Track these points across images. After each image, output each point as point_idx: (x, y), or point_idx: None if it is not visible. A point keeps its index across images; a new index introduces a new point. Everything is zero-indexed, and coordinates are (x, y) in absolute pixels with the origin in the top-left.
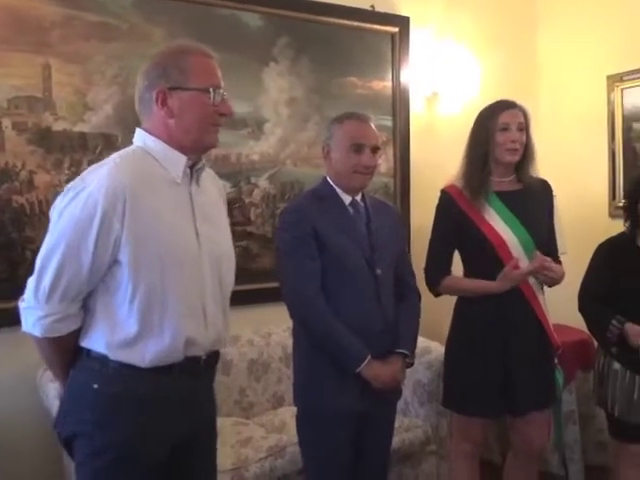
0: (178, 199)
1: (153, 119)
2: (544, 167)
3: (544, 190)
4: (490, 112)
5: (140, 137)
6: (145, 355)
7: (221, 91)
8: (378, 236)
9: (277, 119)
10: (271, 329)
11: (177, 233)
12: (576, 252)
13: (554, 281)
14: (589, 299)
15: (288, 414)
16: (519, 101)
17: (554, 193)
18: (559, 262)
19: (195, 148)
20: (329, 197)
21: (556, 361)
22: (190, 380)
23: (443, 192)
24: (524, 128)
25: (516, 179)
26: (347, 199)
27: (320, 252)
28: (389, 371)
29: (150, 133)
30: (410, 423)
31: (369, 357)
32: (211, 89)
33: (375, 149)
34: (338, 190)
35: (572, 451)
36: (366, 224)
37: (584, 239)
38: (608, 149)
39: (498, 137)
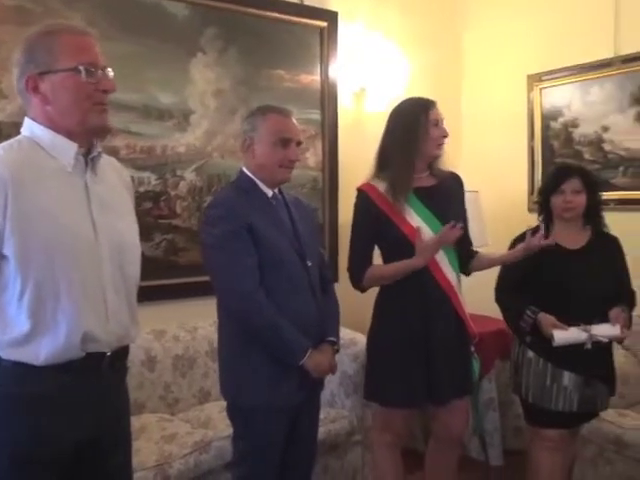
0: (70, 189)
1: (33, 107)
2: (467, 163)
3: (456, 184)
4: (422, 108)
5: (27, 126)
6: (39, 353)
7: (99, 69)
8: (300, 229)
9: (204, 111)
10: (197, 323)
11: (68, 223)
12: (497, 245)
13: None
14: (504, 290)
15: (215, 409)
16: (444, 99)
17: (477, 189)
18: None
19: (84, 132)
20: (252, 190)
21: (473, 349)
22: (93, 378)
23: (360, 191)
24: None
25: (430, 174)
26: (269, 192)
27: (254, 246)
28: (327, 360)
29: (36, 121)
30: (336, 414)
31: (311, 349)
32: (81, 67)
33: (299, 143)
34: (260, 183)
35: (492, 437)
36: (289, 217)
37: (505, 232)
38: (528, 146)
39: (432, 132)
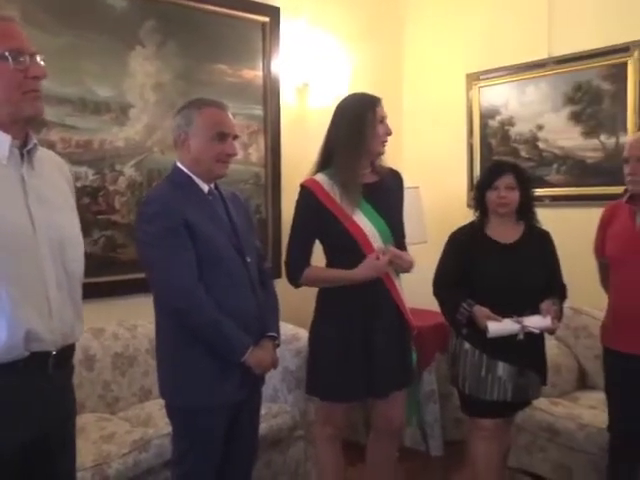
0: (5, 182)
1: None
2: (408, 159)
3: (396, 180)
4: (369, 104)
5: None
6: None
7: (27, 55)
8: (238, 224)
9: (143, 105)
10: (137, 321)
11: (4, 217)
12: (438, 240)
13: (404, 269)
14: (442, 284)
15: (155, 407)
16: (386, 95)
17: (417, 185)
18: (405, 249)
19: (16, 121)
20: (187, 185)
21: (411, 342)
22: (40, 378)
23: (303, 187)
24: None
25: (372, 171)
26: (205, 187)
27: (192, 242)
28: (269, 355)
29: None
30: (279, 409)
31: (252, 345)
32: (7, 53)
33: (235, 137)
34: (195, 178)
35: (432, 428)
36: (226, 212)
37: (444, 228)
38: (467, 144)
39: (378, 129)
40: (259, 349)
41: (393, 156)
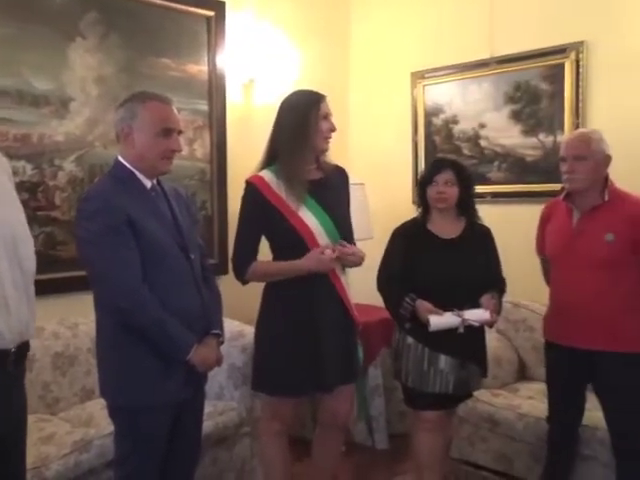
0: None
1: None
2: (354, 156)
3: (342, 177)
4: (313, 101)
5: None
6: None
7: None
8: (181, 221)
9: (85, 98)
10: (78, 320)
11: None
12: (383, 236)
13: (357, 263)
14: (385, 279)
15: (97, 407)
16: (333, 92)
17: (363, 181)
18: (354, 243)
19: None
20: (130, 181)
21: (357, 337)
22: (1, 376)
23: (248, 183)
24: None
25: (317, 168)
26: (148, 183)
27: (135, 240)
28: (213, 353)
29: None
30: (225, 407)
31: (196, 343)
32: None
33: (180, 132)
34: (138, 174)
35: (377, 421)
36: (169, 209)
37: (390, 224)
38: (412, 141)
39: (322, 125)
40: (203, 347)
41: (339, 153)
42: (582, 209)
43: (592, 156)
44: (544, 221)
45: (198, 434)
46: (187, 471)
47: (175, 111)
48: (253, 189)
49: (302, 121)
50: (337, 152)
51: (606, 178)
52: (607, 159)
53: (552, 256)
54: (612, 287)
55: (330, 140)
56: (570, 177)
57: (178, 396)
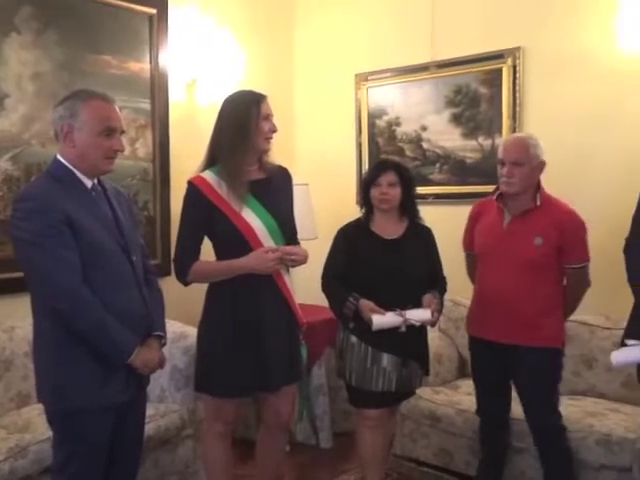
0: None
1: None
2: (300, 157)
3: (285, 177)
4: (254, 101)
5: None
6: None
7: None
8: (123, 221)
9: (20, 95)
10: (15, 323)
11: None
12: (328, 236)
13: (301, 263)
14: (329, 279)
15: (34, 412)
16: (278, 92)
17: (308, 182)
18: (298, 243)
19: None
20: (69, 180)
21: (301, 337)
22: None
23: (190, 183)
24: None
25: (259, 168)
26: (89, 183)
27: (75, 240)
28: (155, 355)
29: None
30: (166, 409)
31: (138, 346)
32: None
33: (122, 132)
34: (78, 173)
35: (322, 420)
36: (110, 209)
37: (335, 224)
38: (356, 142)
39: (262, 126)
40: (145, 349)
41: (285, 154)
42: (514, 211)
43: (529, 162)
44: (474, 219)
45: (140, 437)
46: (129, 474)
47: (117, 110)
48: (195, 190)
49: (243, 121)
50: (282, 153)
51: (538, 183)
52: (542, 165)
53: (480, 254)
54: (535, 287)
55: (271, 140)
56: (508, 181)
57: (119, 399)
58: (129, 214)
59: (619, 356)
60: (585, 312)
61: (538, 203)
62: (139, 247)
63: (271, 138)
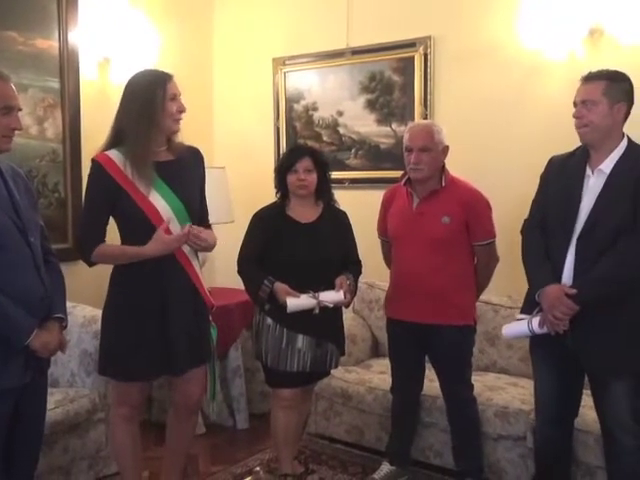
0: None
1: None
2: (219, 140)
3: (195, 159)
4: (159, 81)
5: None
6: None
7: None
8: (20, 201)
9: None
10: None
11: None
12: (245, 220)
13: (207, 248)
14: (245, 262)
15: None
16: (196, 75)
17: (226, 165)
18: (209, 227)
19: None
20: None
21: (210, 318)
22: None
23: (94, 161)
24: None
25: (168, 149)
26: None
27: None
28: (55, 338)
29: None
30: (76, 394)
31: (36, 328)
32: None
33: (19, 110)
34: None
35: (238, 402)
36: (5, 188)
37: (252, 208)
38: (274, 126)
39: (169, 106)
40: (44, 331)
41: (204, 137)
42: (422, 194)
43: (435, 147)
44: (385, 206)
45: (41, 419)
46: (31, 457)
47: (13, 88)
48: (99, 168)
49: (147, 102)
50: (201, 136)
51: (443, 166)
52: (446, 149)
53: (394, 237)
54: (446, 265)
55: (180, 121)
56: (417, 167)
57: (18, 381)
58: (26, 194)
59: (508, 329)
60: (490, 292)
61: (443, 184)
62: (38, 228)
63: (180, 119)
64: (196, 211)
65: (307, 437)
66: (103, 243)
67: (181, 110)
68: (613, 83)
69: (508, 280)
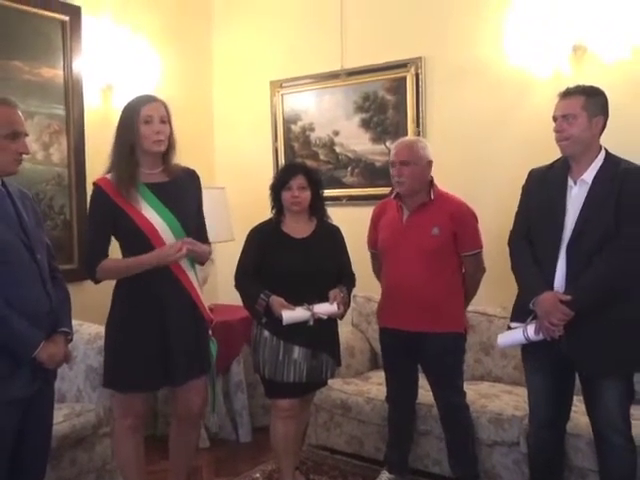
0: None
1: None
2: (219, 161)
3: (191, 179)
4: (133, 105)
5: None
6: None
7: None
8: (27, 221)
9: None
10: None
11: None
12: (244, 239)
13: (201, 258)
14: (242, 276)
15: None
16: (196, 98)
17: (226, 185)
18: (208, 244)
19: None
20: None
21: (210, 333)
22: None
23: (95, 184)
24: (166, 120)
25: (163, 171)
26: None
27: None
28: (61, 350)
29: None
30: (82, 408)
31: (43, 341)
32: None
33: (26, 135)
34: None
35: (241, 416)
36: (14, 209)
37: (252, 226)
38: (272, 147)
39: (143, 129)
40: (51, 344)
41: (204, 158)
42: (411, 207)
43: (417, 162)
44: (375, 220)
45: (48, 430)
46: (38, 468)
47: (20, 114)
48: (99, 191)
49: (123, 127)
50: (203, 157)
51: (431, 181)
52: (430, 164)
53: (384, 248)
54: (436, 275)
55: (160, 143)
56: (399, 180)
57: (24, 393)
58: (33, 214)
59: (503, 338)
60: (484, 303)
61: (432, 197)
62: (44, 246)
63: (161, 140)
64: (191, 225)
65: (308, 448)
66: (106, 258)
67: (156, 131)
68: (590, 98)
69: (500, 290)
